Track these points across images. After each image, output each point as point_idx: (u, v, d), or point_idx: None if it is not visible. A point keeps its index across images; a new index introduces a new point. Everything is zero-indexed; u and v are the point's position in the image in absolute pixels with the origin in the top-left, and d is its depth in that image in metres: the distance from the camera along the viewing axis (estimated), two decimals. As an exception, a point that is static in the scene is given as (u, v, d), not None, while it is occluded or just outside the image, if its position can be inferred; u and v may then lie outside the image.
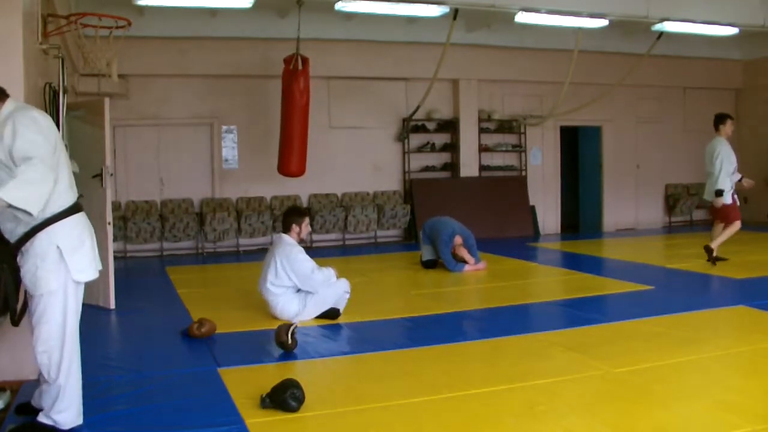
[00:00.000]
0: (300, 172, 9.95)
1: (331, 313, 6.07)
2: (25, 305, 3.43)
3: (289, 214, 6.28)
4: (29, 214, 3.16)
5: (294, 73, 9.52)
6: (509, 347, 5.18)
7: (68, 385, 3.38)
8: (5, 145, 3.17)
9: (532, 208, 12.97)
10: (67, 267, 3.31)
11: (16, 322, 3.43)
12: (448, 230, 8.50)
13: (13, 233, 3.29)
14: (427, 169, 12.42)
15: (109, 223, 6.57)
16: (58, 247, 3.29)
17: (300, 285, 5.97)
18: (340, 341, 5.48)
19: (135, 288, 8.00)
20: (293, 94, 9.53)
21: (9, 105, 3.33)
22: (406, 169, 12.25)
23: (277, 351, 5.01)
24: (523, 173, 12.97)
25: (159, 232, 10.52)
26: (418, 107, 11.59)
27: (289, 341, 4.96)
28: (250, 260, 10.37)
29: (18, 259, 3.31)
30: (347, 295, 6.18)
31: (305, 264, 5.95)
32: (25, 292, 3.39)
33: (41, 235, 3.28)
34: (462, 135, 12.34)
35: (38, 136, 3.22)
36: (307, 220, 6.25)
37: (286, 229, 6.18)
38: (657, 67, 12.79)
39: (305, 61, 9.56)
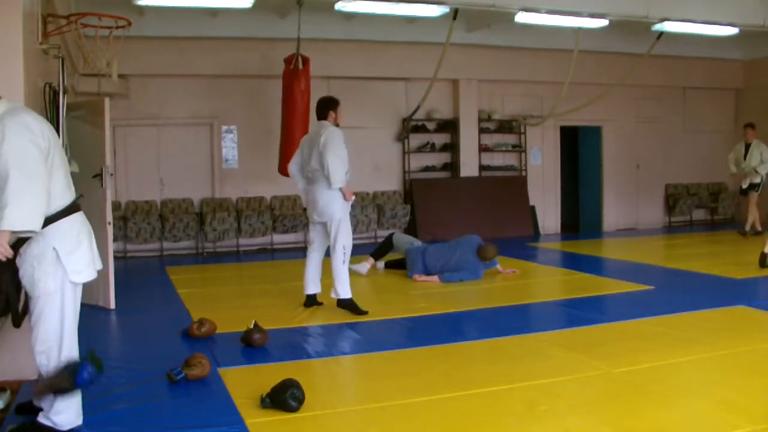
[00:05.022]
0: None
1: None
2: (26, 306, 3.42)
3: (325, 102, 6.39)
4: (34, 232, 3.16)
5: (295, 74, 9.51)
6: (509, 347, 5.18)
7: (65, 386, 3.37)
8: None
9: (532, 208, 12.96)
10: (64, 268, 3.30)
11: (18, 324, 3.43)
12: (474, 240, 8.18)
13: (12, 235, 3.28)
14: (427, 169, 12.42)
15: (109, 223, 6.57)
16: (54, 248, 3.28)
17: (323, 161, 6.11)
18: (340, 341, 5.48)
19: (135, 288, 8.00)
20: (294, 94, 9.52)
21: (1, 106, 3.25)
22: (406, 169, 12.24)
23: (277, 351, 5.02)
24: (523, 173, 12.97)
25: (159, 232, 10.51)
26: (418, 107, 11.59)
27: (255, 335, 5.10)
28: (250, 260, 10.39)
29: (17, 260, 3.29)
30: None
31: (340, 151, 6.11)
32: (25, 293, 3.38)
33: (38, 237, 3.26)
34: (462, 135, 12.33)
35: (28, 143, 3.15)
36: (340, 107, 6.41)
37: (323, 116, 6.34)
38: (657, 67, 12.78)
39: (306, 60, 9.56)
